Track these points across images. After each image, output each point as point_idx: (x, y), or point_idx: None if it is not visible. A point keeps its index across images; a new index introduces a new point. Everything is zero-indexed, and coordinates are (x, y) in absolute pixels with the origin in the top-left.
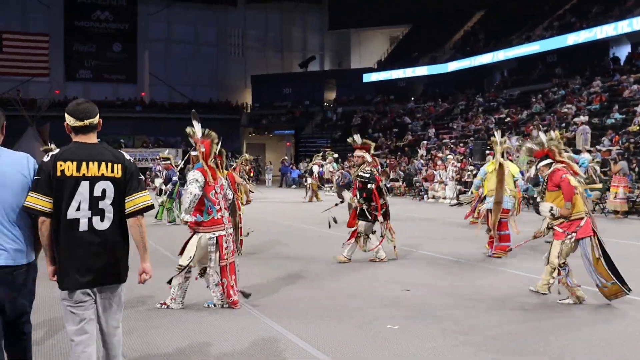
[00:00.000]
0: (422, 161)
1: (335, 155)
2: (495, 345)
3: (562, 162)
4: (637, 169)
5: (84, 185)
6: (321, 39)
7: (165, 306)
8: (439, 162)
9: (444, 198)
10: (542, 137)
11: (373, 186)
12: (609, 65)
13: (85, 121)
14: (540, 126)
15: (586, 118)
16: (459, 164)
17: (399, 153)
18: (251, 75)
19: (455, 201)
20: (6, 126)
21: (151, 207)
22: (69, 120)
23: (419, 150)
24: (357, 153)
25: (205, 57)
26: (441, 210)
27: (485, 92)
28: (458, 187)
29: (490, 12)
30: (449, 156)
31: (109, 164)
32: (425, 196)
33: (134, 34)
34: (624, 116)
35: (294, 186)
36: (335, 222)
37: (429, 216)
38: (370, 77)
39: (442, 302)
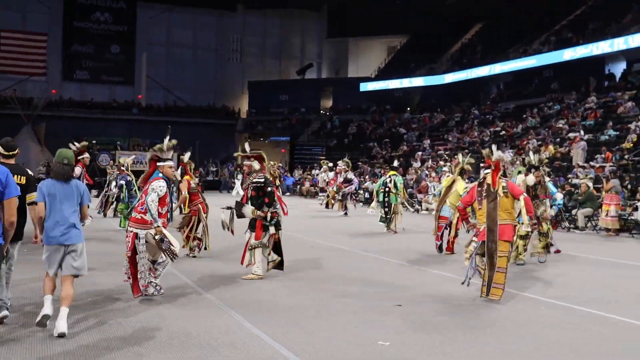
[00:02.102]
0: (426, 172)
1: (330, 164)
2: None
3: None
4: (629, 187)
5: None
6: (319, 46)
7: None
8: (433, 174)
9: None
10: (495, 152)
11: (273, 187)
12: (602, 83)
13: (12, 152)
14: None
15: (581, 133)
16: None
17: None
18: (248, 80)
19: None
20: (2, 125)
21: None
22: (1, 150)
23: (412, 162)
24: (246, 162)
25: (203, 61)
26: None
27: (481, 104)
28: None
29: (488, 25)
30: (444, 168)
31: (18, 176)
32: (419, 208)
33: (133, 36)
34: (618, 132)
35: (287, 193)
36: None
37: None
38: (367, 87)
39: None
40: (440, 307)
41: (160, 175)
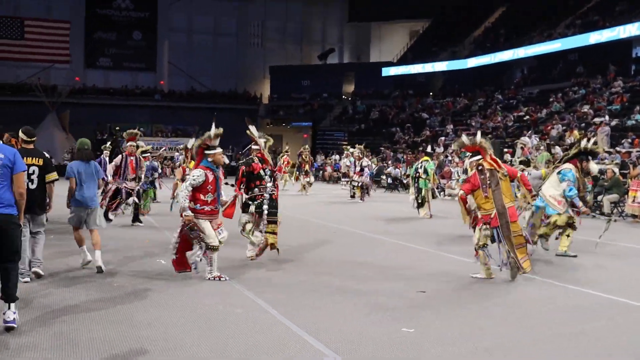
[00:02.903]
0: (449, 157)
1: (352, 150)
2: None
3: (492, 160)
4: None
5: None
6: (341, 31)
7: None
8: (457, 159)
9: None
10: (479, 136)
11: (246, 168)
12: (629, 67)
13: (31, 138)
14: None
15: (606, 118)
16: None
17: (417, 149)
18: (270, 66)
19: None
20: (27, 112)
21: (56, 179)
22: (23, 137)
23: (435, 147)
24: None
25: (224, 47)
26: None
27: (504, 89)
28: None
29: (512, 8)
30: (467, 153)
31: (36, 158)
32: (442, 193)
33: (154, 23)
34: None
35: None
36: None
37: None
38: (389, 71)
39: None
40: (466, 293)
41: (207, 163)
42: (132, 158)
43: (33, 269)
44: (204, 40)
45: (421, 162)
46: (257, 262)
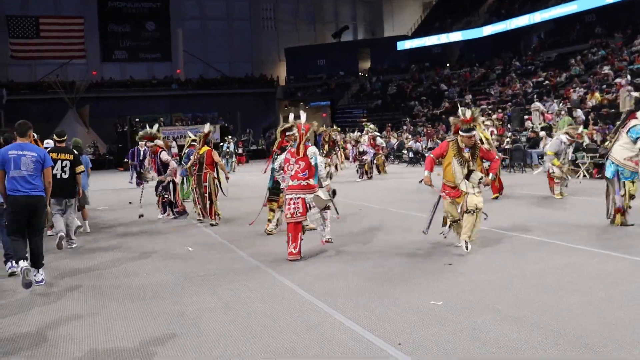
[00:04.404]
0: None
1: (372, 126)
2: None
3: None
4: None
5: (58, 162)
6: (353, 8)
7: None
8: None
9: None
10: (468, 111)
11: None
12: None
13: (62, 138)
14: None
15: (628, 78)
16: (495, 130)
17: (437, 121)
18: (285, 48)
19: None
20: (48, 109)
21: (83, 171)
22: (55, 137)
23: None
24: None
25: (238, 32)
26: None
27: (522, 55)
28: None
29: None
30: (487, 122)
31: (67, 154)
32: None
33: (167, 12)
34: None
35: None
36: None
37: None
38: (404, 45)
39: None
40: (497, 258)
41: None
42: (153, 156)
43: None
44: (218, 27)
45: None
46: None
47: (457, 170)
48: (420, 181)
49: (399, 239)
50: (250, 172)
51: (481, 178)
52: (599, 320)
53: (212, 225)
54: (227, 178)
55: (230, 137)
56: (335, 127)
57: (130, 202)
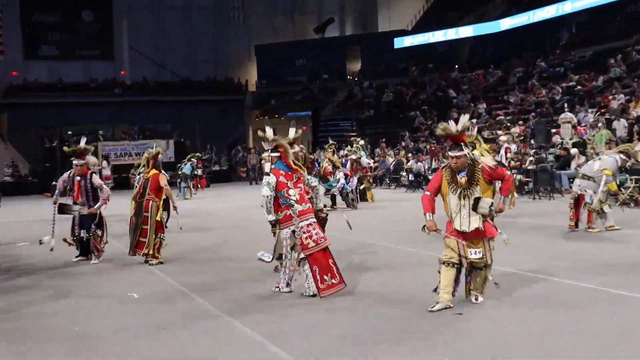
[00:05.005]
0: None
1: (362, 142)
2: None
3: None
4: None
5: None
6: None
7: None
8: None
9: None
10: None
11: None
12: None
13: None
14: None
15: None
16: (515, 148)
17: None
18: (256, 45)
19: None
20: None
21: None
22: None
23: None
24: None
25: (198, 25)
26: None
27: (548, 54)
28: (518, 177)
29: None
30: (502, 137)
31: None
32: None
33: None
34: None
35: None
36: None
37: None
38: (403, 42)
39: None
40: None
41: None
42: (79, 179)
43: None
44: (173, 18)
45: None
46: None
47: (452, 201)
48: (423, 228)
49: (397, 281)
50: (212, 199)
51: (492, 204)
52: None
53: (148, 264)
54: (175, 208)
55: (195, 154)
56: (331, 142)
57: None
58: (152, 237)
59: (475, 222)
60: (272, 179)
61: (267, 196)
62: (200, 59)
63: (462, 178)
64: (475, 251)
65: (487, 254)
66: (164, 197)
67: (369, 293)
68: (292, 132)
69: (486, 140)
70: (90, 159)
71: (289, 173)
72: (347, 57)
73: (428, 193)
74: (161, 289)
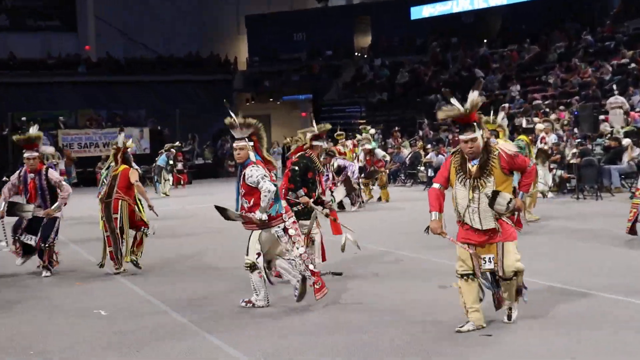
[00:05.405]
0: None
1: (372, 131)
2: None
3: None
4: None
5: None
6: None
7: (250, 304)
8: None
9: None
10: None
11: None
12: None
13: None
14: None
15: None
16: (554, 138)
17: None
18: (246, 15)
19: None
20: None
21: None
22: None
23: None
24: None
25: None
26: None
27: (595, 26)
28: (559, 172)
29: None
30: (538, 126)
31: None
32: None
33: None
34: None
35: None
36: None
37: None
38: (421, 12)
39: None
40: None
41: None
42: (33, 176)
43: None
44: None
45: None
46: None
47: (460, 194)
48: (426, 230)
49: (418, 295)
50: (194, 197)
51: (511, 201)
52: None
53: (115, 272)
54: (151, 207)
55: (174, 145)
56: (339, 132)
57: None
58: (128, 240)
59: (489, 221)
60: (264, 171)
61: (273, 190)
62: (180, 32)
63: (473, 166)
64: (489, 257)
65: (499, 264)
66: (136, 195)
67: (382, 308)
68: (315, 126)
69: (524, 131)
70: (46, 149)
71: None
72: (355, 29)
73: (436, 185)
74: (131, 303)
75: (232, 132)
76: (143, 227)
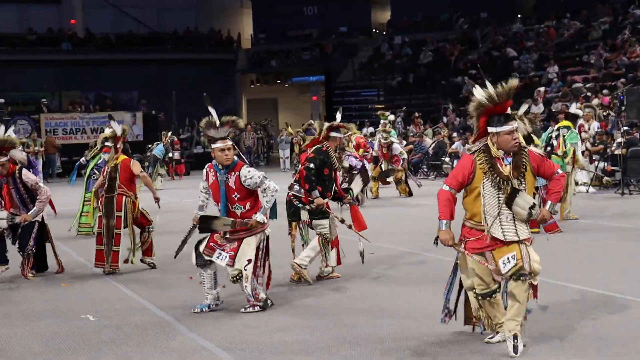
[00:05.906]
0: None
1: (391, 117)
2: None
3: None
4: None
5: None
6: None
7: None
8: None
9: (577, 184)
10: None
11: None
12: None
13: None
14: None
15: None
16: (596, 126)
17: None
18: None
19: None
20: None
21: None
22: None
23: (532, 104)
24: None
25: None
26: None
27: None
28: (602, 164)
29: None
30: (579, 111)
31: None
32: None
33: None
34: None
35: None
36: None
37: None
38: None
39: None
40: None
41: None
42: (5, 180)
43: None
44: None
45: (559, 130)
46: None
47: (490, 200)
48: (436, 241)
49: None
50: (192, 190)
51: (533, 206)
52: None
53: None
54: (157, 200)
55: (166, 132)
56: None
57: None
58: (135, 240)
59: (524, 231)
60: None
61: (278, 190)
62: (177, 5)
63: (506, 165)
64: (508, 258)
65: (525, 259)
66: (140, 188)
67: (397, 311)
68: (339, 116)
69: (567, 117)
70: (17, 154)
71: None
72: (372, 4)
73: (447, 188)
74: (122, 306)
75: (209, 134)
76: (147, 226)
